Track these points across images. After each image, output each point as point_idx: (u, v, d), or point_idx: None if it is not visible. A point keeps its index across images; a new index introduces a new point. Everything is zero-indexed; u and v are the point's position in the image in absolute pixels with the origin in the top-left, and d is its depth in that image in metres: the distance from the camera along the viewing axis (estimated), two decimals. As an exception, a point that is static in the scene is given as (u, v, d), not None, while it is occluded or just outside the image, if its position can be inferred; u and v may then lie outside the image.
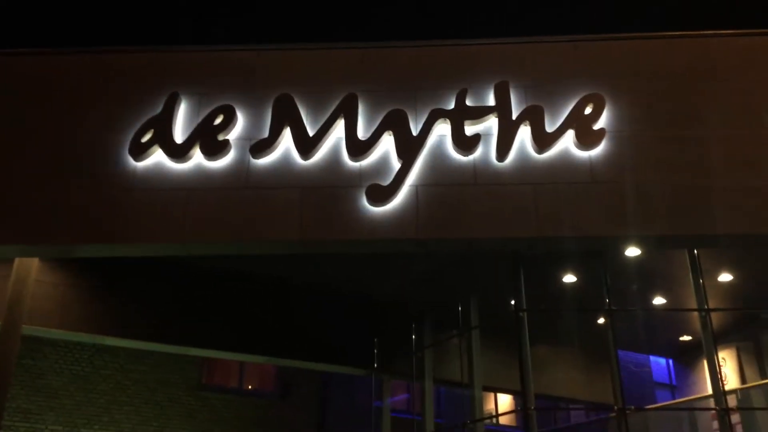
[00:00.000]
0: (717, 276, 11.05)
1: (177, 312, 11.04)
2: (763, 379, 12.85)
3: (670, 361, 16.05)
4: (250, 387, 14.57)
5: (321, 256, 10.01)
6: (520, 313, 10.10)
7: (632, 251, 9.45)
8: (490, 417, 14.89)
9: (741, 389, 12.80)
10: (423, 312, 12.64)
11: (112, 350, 12.45)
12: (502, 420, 16.14)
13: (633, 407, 10.11)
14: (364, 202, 7.51)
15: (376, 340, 12.71)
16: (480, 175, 7.61)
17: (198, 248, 7.76)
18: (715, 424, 10.10)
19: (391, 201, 7.48)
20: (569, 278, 11.28)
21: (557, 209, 7.43)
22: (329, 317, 12.16)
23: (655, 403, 14.62)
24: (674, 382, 15.93)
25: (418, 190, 7.55)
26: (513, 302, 10.23)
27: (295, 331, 11.90)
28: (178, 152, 7.75)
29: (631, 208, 7.31)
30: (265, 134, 7.83)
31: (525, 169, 7.60)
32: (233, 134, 7.90)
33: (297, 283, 11.91)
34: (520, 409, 10.63)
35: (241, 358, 12.83)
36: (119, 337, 10.84)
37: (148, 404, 13.01)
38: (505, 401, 16.20)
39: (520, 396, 10.42)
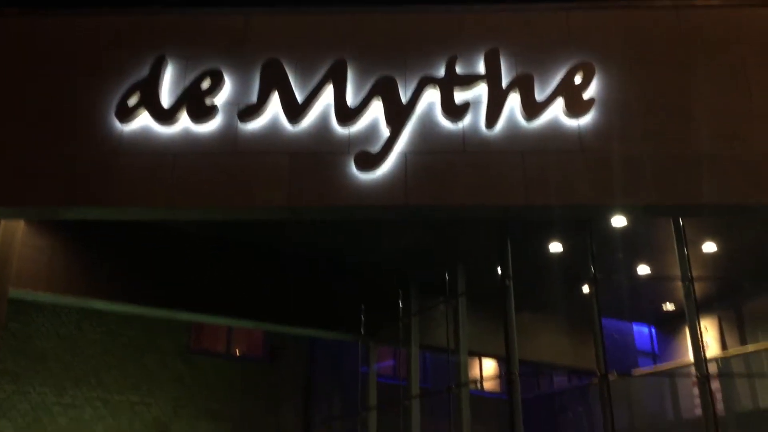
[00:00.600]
0: (701, 246, 11.19)
1: (165, 276, 11.05)
2: (745, 348, 13.09)
3: (653, 330, 16.31)
4: (238, 352, 14.68)
5: (309, 222, 10.03)
6: (507, 281, 10.21)
7: (618, 220, 9.54)
8: (475, 381, 15.11)
9: (722, 358, 13.05)
10: (410, 279, 12.74)
11: (100, 314, 12.48)
12: (487, 386, 16.39)
13: (615, 373, 10.30)
14: (353, 168, 7.49)
15: (363, 306, 12.80)
16: (469, 142, 7.60)
17: (186, 213, 7.74)
18: (696, 392, 10.31)
19: (380, 168, 7.48)
20: (555, 247, 11.38)
21: (546, 177, 7.45)
22: (317, 283, 12.23)
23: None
24: (656, 350, 16.20)
25: (407, 157, 7.54)
26: (500, 270, 10.33)
27: (283, 296, 11.97)
28: (165, 116, 7.68)
29: (618, 176, 7.34)
30: (253, 99, 7.77)
31: (514, 137, 7.60)
32: (221, 99, 7.82)
33: (285, 249, 11.95)
34: (505, 374, 10.79)
35: (230, 323, 12.91)
36: (106, 301, 10.83)
37: (137, 368, 13.09)
38: (489, 367, 16.43)
39: (504, 362, 10.59)
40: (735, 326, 14.13)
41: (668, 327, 15.69)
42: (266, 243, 11.79)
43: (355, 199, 7.47)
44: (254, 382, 14.25)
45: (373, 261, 12.20)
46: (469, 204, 7.56)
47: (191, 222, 10.15)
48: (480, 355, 15.15)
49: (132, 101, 7.74)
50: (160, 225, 10.51)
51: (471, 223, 10.16)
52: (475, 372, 15.85)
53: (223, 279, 11.54)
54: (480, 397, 14.98)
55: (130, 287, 10.80)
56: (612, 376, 10.06)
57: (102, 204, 7.56)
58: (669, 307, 14.70)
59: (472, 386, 13.90)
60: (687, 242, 9.90)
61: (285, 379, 14.70)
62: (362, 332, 12.82)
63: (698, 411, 10.00)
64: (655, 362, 15.86)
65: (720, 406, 11.42)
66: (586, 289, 10.67)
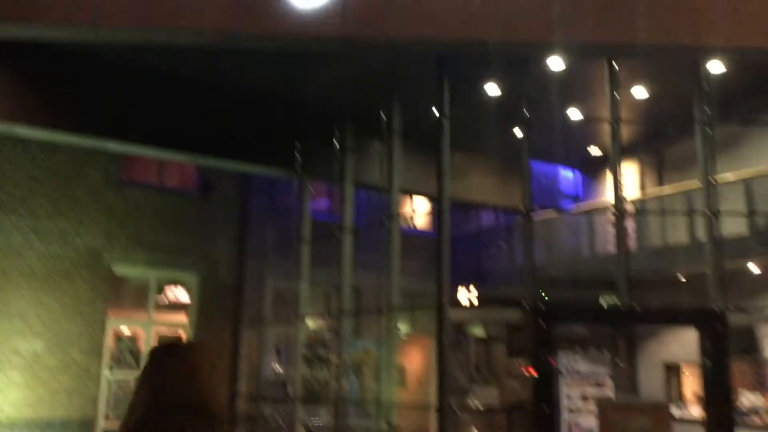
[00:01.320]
0: (631, 90, 11.42)
1: (92, 104, 10.61)
2: (661, 190, 13.82)
3: (578, 174, 16.93)
4: (170, 184, 14.58)
5: (243, 53, 9.69)
6: (442, 120, 10.27)
7: (554, 62, 9.56)
8: (406, 217, 15.58)
9: (639, 199, 13.79)
10: (346, 116, 12.65)
11: (24, 142, 12.00)
12: (418, 224, 16.96)
13: (538, 211, 10.76)
14: (288, -7, 7.18)
15: (297, 143, 12.72)
16: (410, -29, 7.33)
17: (110, 34, 7.36)
18: (612, 230, 10.94)
19: (317, -6, 7.19)
20: (491, 88, 11.40)
21: (487, 11, 7.34)
22: (251, 118, 12.01)
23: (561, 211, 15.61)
24: (580, 194, 16.92)
25: (345, -16, 7.24)
26: (435, 109, 10.34)
27: (215, 129, 11.74)
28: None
29: (558, 13, 7.28)
30: None
31: (457, -33, 7.36)
32: None
33: (218, 82, 11.57)
34: (436, 211, 11.14)
35: (159, 155, 12.65)
36: (29, 126, 10.37)
37: (65, 197, 12.86)
38: (422, 207, 16.92)
39: (435, 201, 10.88)
40: (654, 170, 14.82)
41: (592, 171, 16.32)
42: (198, 74, 11.37)
43: (290, 28, 7.22)
44: (188, 215, 14.29)
45: (309, 97, 11.99)
46: (409, 37, 7.43)
47: (121, 48, 9.64)
48: (412, 193, 15.53)
49: None
50: (88, 51, 9.95)
51: (409, 60, 10.02)
52: (407, 210, 16.32)
53: (153, 109, 11.18)
54: (411, 234, 15.51)
55: (54, 114, 10.35)
56: (537, 215, 10.51)
57: (21, 20, 7.10)
58: (595, 151, 15.20)
59: (403, 223, 14.35)
60: (618, 85, 10.07)
61: (219, 213, 14.78)
62: (297, 169, 12.83)
63: (612, 247, 10.65)
64: (578, 205, 16.62)
65: (633, 244, 12.22)
66: (518, 131, 10.85)
